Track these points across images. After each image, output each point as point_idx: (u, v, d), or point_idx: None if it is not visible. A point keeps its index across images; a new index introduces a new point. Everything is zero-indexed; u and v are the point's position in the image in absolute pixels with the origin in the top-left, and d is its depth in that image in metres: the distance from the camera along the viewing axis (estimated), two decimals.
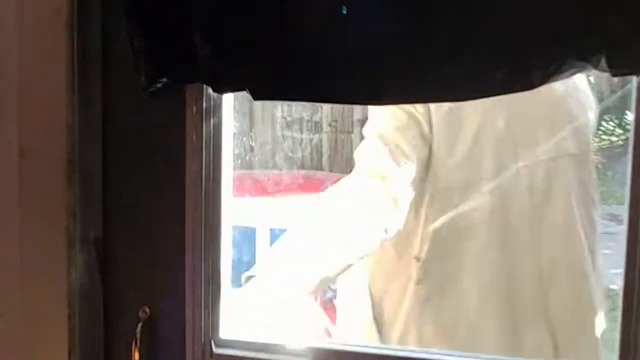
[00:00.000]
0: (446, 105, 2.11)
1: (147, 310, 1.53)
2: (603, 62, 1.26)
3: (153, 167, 1.51)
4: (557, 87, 2.22)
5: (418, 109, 2.13)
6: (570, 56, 1.28)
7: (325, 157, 7.46)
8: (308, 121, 7.37)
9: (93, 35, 1.48)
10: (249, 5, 1.36)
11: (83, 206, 1.50)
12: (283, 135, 7.49)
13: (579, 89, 2.29)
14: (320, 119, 7.36)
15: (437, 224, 2.17)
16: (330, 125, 7.56)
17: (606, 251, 2.35)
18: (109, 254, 1.54)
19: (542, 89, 2.16)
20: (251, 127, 7.70)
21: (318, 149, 7.46)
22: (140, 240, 1.54)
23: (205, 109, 1.48)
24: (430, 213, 2.17)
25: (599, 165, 2.90)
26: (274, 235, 4.30)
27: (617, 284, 1.47)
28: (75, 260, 1.50)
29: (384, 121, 2.14)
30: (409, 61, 1.30)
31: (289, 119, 7.39)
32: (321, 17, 1.33)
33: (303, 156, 7.48)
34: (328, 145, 7.44)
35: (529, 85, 1.32)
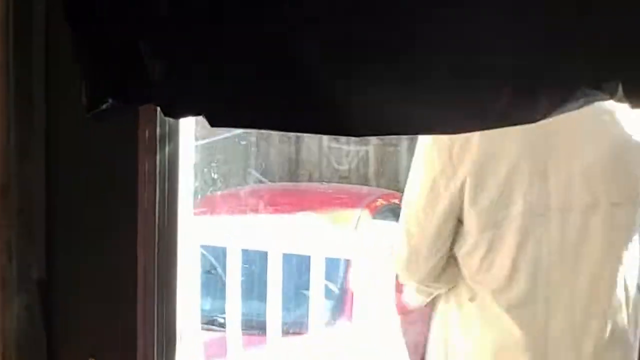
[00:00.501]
0: (476, 145, 2.02)
1: None
2: (620, 91, 1.05)
3: (102, 198, 1.33)
4: (602, 130, 2.07)
5: (444, 162, 2.07)
6: (581, 83, 1.07)
7: (371, 170, 7.31)
8: None
9: (36, 46, 1.30)
10: (206, 21, 1.16)
11: (22, 241, 1.31)
12: (329, 147, 7.35)
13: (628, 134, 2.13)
14: None
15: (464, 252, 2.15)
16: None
17: None
18: (53, 298, 1.36)
19: (583, 134, 2.06)
20: (297, 137, 7.56)
21: (364, 161, 7.31)
22: (89, 282, 1.35)
23: (160, 134, 1.29)
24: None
25: None
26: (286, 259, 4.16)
27: None
28: (12, 304, 1.31)
29: (412, 186, 2.16)
30: (385, 87, 1.09)
31: None
32: (286, 36, 1.13)
33: (350, 169, 7.34)
34: (374, 158, 7.28)
35: (532, 117, 1.10)
